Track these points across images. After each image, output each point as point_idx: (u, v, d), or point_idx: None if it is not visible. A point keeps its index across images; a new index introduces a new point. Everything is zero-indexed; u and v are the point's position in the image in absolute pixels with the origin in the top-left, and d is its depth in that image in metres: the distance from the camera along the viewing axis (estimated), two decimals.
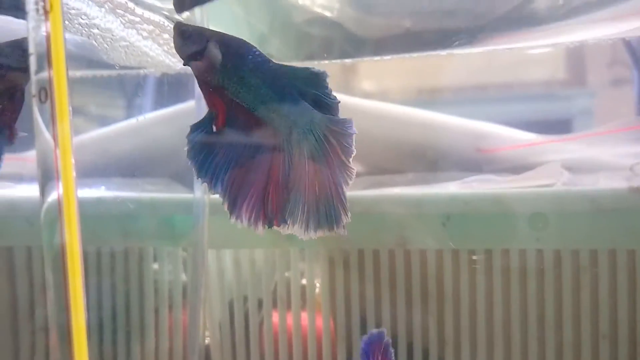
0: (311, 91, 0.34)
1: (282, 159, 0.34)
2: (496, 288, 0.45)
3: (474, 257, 0.45)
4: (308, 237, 0.34)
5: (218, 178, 0.35)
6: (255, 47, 0.35)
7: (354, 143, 0.34)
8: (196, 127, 0.34)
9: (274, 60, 0.34)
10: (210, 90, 0.34)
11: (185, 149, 0.34)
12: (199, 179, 0.35)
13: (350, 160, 0.34)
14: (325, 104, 0.34)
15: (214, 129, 0.35)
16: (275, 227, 0.35)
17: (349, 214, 0.34)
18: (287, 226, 0.34)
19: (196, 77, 0.34)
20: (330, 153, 0.34)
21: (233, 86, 0.34)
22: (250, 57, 0.34)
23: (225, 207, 0.35)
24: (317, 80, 0.34)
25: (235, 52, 0.34)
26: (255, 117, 0.34)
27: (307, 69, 0.34)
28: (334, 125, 0.34)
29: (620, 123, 0.54)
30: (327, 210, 0.34)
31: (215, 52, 0.34)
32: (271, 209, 0.34)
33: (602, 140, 0.53)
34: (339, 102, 0.34)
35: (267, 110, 0.34)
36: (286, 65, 0.35)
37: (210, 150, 0.35)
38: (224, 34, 0.35)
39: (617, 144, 0.52)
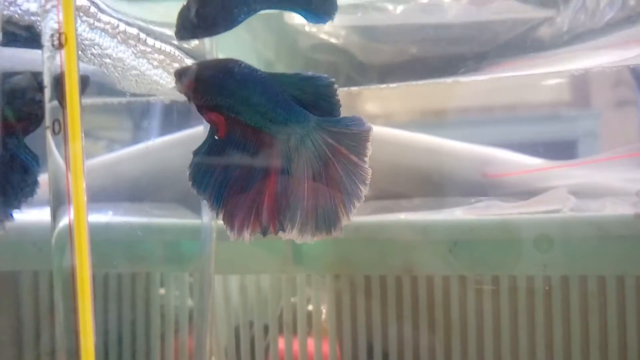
0: (309, 95, 0.34)
1: (279, 166, 0.34)
2: (503, 314, 0.45)
3: (485, 287, 0.45)
4: (304, 241, 0.34)
5: (218, 195, 0.35)
6: (240, 60, 0.35)
7: (365, 141, 0.34)
8: (197, 151, 0.35)
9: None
10: (208, 111, 0.35)
11: (187, 173, 0.35)
12: (200, 197, 0.35)
13: (364, 158, 0.34)
14: (325, 106, 0.34)
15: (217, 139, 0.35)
16: (272, 234, 0.35)
17: (350, 217, 0.33)
18: (285, 233, 0.34)
19: (194, 104, 0.35)
20: (331, 156, 0.34)
21: (225, 101, 0.34)
22: (236, 70, 0.34)
23: (223, 221, 0.35)
24: (312, 84, 0.35)
25: (221, 68, 0.35)
26: (251, 129, 0.34)
27: (297, 74, 0.35)
28: (333, 126, 0.34)
29: (627, 149, 0.54)
30: (326, 214, 0.34)
31: (192, 72, 0.34)
32: (266, 218, 0.34)
33: (608, 166, 0.53)
34: (339, 105, 0.34)
35: (262, 120, 0.34)
36: (277, 73, 0.35)
37: (208, 169, 0.35)
38: (211, 59, 0.35)
39: (623, 169, 0.52)
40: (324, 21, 0.36)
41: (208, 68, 0.35)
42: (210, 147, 0.35)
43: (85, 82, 0.37)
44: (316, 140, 0.34)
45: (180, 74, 0.34)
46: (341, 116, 0.34)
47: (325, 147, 0.34)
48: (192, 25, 0.35)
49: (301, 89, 0.34)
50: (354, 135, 0.34)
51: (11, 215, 0.41)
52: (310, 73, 0.35)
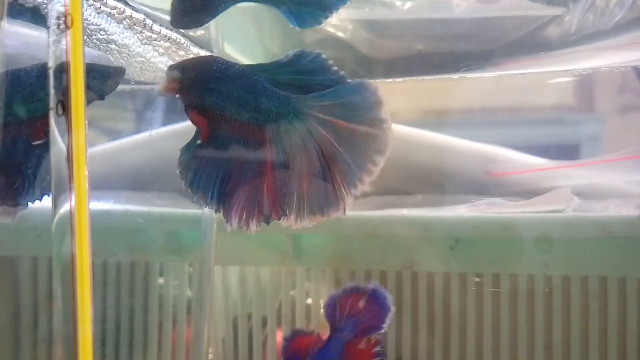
0: (305, 76, 0.34)
1: (273, 153, 0.34)
2: (503, 313, 0.45)
3: (478, 281, 0.45)
4: (301, 226, 0.33)
5: (211, 190, 0.35)
6: (219, 57, 0.35)
7: (373, 106, 0.33)
8: (185, 149, 0.35)
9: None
10: (192, 110, 0.35)
11: (177, 171, 0.35)
12: (194, 195, 0.35)
13: (374, 124, 0.32)
14: (323, 81, 0.34)
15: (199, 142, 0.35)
16: (275, 220, 0.34)
17: (353, 194, 0.32)
18: (286, 218, 0.34)
19: (183, 105, 0.35)
20: (327, 132, 0.33)
21: (208, 99, 0.34)
22: (214, 67, 0.34)
23: (222, 214, 0.35)
24: (300, 63, 0.34)
25: (200, 67, 0.34)
26: (239, 123, 0.34)
27: (276, 61, 0.34)
28: (325, 100, 0.33)
29: (631, 150, 0.53)
30: (324, 196, 0.33)
31: (171, 74, 0.34)
32: (268, 206, 0.34)
33: (612, 167, 0.53)
34: (340, 74, 0.33)
35: (247, 112, 0.34)
36: (258, 64, 0.35)
37: (199, 166, 0.35)
38: (190, 58, 0.35)
39: (627, 171, 0.52)
40: (309, 24, 0.35)
41: (189, 68, 0.35)
42: (198, 146, 0.35)
43: (119, 73, 0.37)
44: (307, 119, 0.33)
45: (167, 75, 0.34)
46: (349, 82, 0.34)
47: (318, 124, 0.33)
48: (179, 15, 0.34)
49: (293, 72, 0.34)
50: (354, 104, 0.33)
51: (27, 204, 0.41)
52: (291, 52, 0.34)
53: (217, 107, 0.34)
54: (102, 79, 0.37)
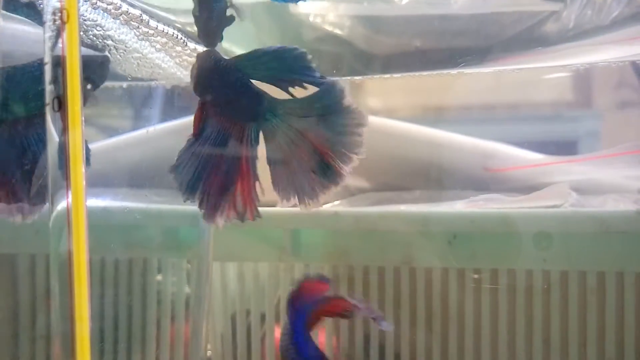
0: (285, 71, 0.35)
1: (249, 152, 0.34)
2: (501, 308, 0.45)
3: (476, 276, 0.45)
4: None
5: (188, 183, 0.35)
6: (214, 51, 0.36)
7: (348, 120, 0.34)
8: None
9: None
10: (198, 105, 0.36)
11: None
12: (182, 193, 0.35)
13: (343, 137, 0.34)
14: (303, 78, 0.34)
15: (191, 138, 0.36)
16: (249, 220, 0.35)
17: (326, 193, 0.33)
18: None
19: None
20: (302, 134, 0.34)
21: (207, 94, 0.35)
22: (208, 64, 0.35)
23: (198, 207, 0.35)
24: (282, 57, 0.35)
25: (200, 64, 0.35)
26: (225, 118, 0.35)
27: (258, 51, 0.35)
28: (296, 104, 0.34)
29: (629, 145, 0.53)
30: (303, 190, 0.34)
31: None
32: (241, 203, 0.35)
33: (610, 163, 0.53)
34: (316, 74, 0.34)
35: (231, 110, 0.35)
36: (243, 56, 0.35)
37: (185, 159, 0.36)
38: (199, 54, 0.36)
39: (625, 166, 0.52)
40: None
41: (197, 63, 0.35)
42: (189, 141, 0.35)
43: (105, 64, 0.37)
44: (284, 123, 0.34)
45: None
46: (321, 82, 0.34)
47: (293, 131, 0.34)
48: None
49: (274, 68, 0.35)
50: (325, 111, 0.34)
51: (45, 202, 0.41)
52: (272, 47, 0.35)
53: (213, 102, 0.34)
54: (91, 70, 0.37)
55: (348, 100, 0.35)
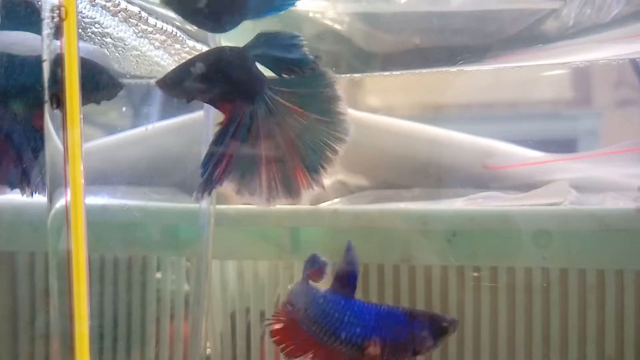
0: (274, 51, 0.35)
1: (237, 135, 0.35)
2: (501, 306, 0.45)
3: (476, 274, 0.45)
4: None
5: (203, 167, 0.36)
6: (222, 47, 0.37)
7: (330, 97, 0.34)
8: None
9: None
10: (217, 99, 0.35)
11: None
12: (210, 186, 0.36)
13: (331, 115, 0.34)
14: (291, 60, 0.34)
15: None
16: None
17: (320, 180, 0.34)
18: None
19: (207, 101, 0.35)
20: (286, 119, 0.34)
21: (222, 88, 0.35)
22: (222, 57, 0.35)
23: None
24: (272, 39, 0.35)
25: (216, 59, 0.35)
26: (229, 104, 0.35)
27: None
28: (284, 86, 0.34)
29: (629, 143, 0.53)
30: (285, 180, 0.34)
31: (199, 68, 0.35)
32: (217, 177, 0.35)
33: (610, 160, 0.53)
34: (312, 58, 0.34)
35: (231, 92, 0.35)
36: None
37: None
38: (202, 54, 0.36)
39: (625, 164, 0.52)
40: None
41: (208, 65, 0.35)
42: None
43: (116, 86, 0.38)
44: (270, 105, 0.34)
45: (166, 86, 0.35)
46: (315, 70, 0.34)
47: (280, 111, 0.34)
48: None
49: (265, 47, 0.35)
50: (312, 95, 0.34)
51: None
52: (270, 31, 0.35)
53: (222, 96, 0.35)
54: (97, 86, 0.38)
55: (333, 105, 0.34)
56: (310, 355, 0.35)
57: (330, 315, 0.34)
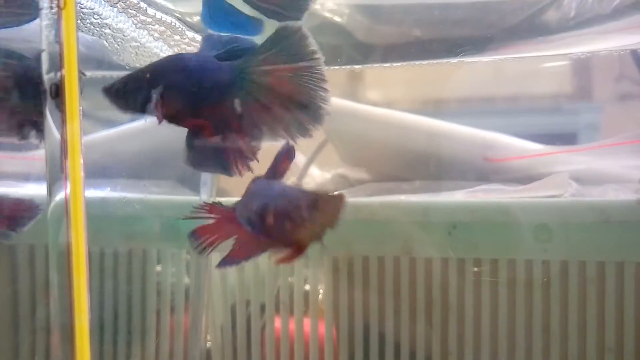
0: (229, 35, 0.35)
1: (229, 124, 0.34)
2: (501, 298, 0.45)
3: (477, 269, 0.45)
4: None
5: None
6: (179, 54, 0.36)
7: (299, 39, 0.34)
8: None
9: None
10: (187, 117, 0.35)
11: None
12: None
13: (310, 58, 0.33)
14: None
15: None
16: None
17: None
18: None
19: (170, 120, 0.35)
20: (265, 97, 0.34)
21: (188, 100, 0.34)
22: (181, 66, 0.34)
23: None
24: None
25: (164, 68, 0.34)
26: (220, 104, 0.34)
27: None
28: (257, 56, 0.34)
29: (630, 135, 0.53)
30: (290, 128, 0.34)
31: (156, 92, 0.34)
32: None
33: (610, 152, 0.53)
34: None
35: (206, 91, 0.34)
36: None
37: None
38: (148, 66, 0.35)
39: (625, 156, 0.52)
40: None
41: (152, 73, 0.35)
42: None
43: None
44: (253, 83, 0.34)
45: (115, 92, 0.34)
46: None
47: (263, 84, 0.34)
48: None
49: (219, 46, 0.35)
50: (284, 47, 0.34)
51: None
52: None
53: (196, 103, 0.34)
54: None
55: (310, 42, 0.34)
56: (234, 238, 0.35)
57: (253, 195, 0.35)
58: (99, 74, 0.53)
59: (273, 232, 0.33)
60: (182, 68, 0.34)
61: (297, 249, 0.33)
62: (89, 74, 0.52)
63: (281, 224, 0.32)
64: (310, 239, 0.32)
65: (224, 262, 0.36)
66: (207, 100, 0.34)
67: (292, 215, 0.31)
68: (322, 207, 0.31)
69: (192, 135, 0.36)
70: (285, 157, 0.36)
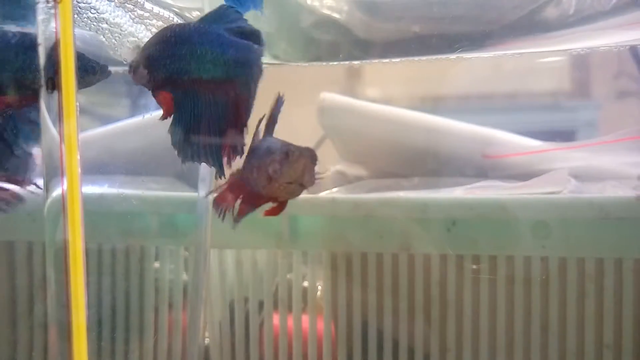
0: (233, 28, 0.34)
1: (247, 99, 0.34)
2: (500, 295, 0.45)
3: (475, 266, 0.45)
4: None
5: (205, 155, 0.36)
6: (172, 24, 0.35)
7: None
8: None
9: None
10: (158, 91, 0.35)
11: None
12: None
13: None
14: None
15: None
16: None
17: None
18: None
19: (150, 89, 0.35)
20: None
21: (173, 67, 0.34)
22: (169, 33, 0.34)
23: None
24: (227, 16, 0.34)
25: (155, 41, 0.34)
26: (205, 82, 0.34)
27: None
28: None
29: (628, 132, 0.53)
30: None
31: (136, 60, 0.34)
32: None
33: (609, 149, 0.52)
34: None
35: (215, 67, 0.34)
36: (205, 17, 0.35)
37: (185, 138, 0.35)
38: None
39: (624, 152, 0.52)
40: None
41: (146, 48, 0.34)
42: (172, 124, 0.35)
43: (103, 72, 0.37)
44: (259, 65, 0.34)
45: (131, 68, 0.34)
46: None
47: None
48: None
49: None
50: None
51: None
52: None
53: (183, 71, 0.33)
54: (84, 72, 0.37)
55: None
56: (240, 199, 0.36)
57: (250, 153, 0.36)
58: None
59: (258, 186, 0.33)
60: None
61: (280, 204, 0.34)
62: None
63: (261, 178, 0.33)
64: (287, 194, 0.33)
65: (235, 220, 0.36)
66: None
67: (267, 169, 0.32)
68: (292, 160, 0.32)
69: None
70: (276, 106, 0.37)
